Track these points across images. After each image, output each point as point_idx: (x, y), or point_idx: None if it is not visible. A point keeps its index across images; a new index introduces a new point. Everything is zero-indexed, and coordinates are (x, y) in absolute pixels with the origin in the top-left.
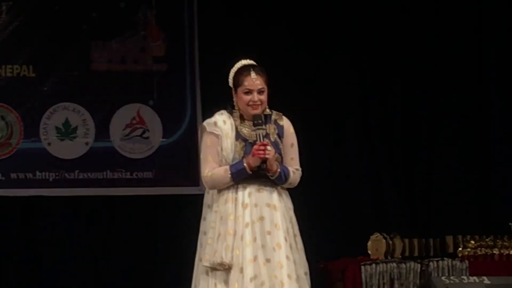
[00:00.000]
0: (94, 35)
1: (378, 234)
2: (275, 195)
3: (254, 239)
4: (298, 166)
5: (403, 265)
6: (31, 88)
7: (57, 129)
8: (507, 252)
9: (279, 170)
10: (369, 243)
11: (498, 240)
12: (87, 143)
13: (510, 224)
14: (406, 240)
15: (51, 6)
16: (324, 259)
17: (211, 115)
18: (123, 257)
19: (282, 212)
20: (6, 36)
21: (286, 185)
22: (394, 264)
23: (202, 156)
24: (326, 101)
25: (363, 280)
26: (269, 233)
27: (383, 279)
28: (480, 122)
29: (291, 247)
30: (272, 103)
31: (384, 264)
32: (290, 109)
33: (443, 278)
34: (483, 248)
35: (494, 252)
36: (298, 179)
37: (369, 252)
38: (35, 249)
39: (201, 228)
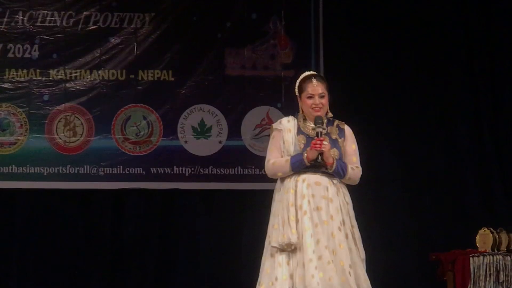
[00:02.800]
0: (228, 43)
1: (486, 228)
2: (331, 190)
3: (316, 225)
4: (358, 165)
5: (509, 258)
6: (170, 91)
7: (193, 128)
8: None
9: (335, 163)
10: (477, 237)
11: None
12: (220, 142)
13: None
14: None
15: (189, 17)
16: (436, 251)
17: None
18: (254, 247)
19: (337, 205)
20: (148, 44)
21: (346, 180)
22: (500, 257)
23: (268, 148)
24: (439, 103)
25: (472, 271)
26: (325, 222)
27: (489, 270)
28: None
29: (347, 237)
30: (399, 104)
31: (491, 256)
32: (407, 111)
33: None
34: None
35: None
36: (358, 176)
37: (477, 245)
38: (173, 239)
39: (271, 214)
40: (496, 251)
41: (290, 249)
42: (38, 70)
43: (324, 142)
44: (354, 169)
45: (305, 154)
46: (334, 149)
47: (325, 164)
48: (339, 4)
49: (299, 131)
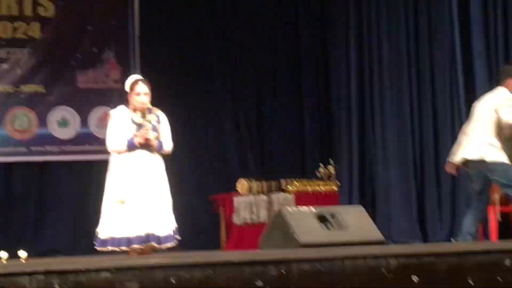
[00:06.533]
0: (79, 67)
1: (242, 179)
2: (153, 160)
3: (139, 185)
4: (170, 142)
5: (258, 197)
6: (43, 98)
7: (57, 122)
8: (316, 189)
9: (156, 143)
10: (238, 184)
11: (309, 182)
12: (75, 129)
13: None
14: (259, 182)
15: (52, 50)
16: (212, 194)
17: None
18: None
19: (158, 172)
20: (27, 67)
21: (163, 152)
22: (252, 197)
23: (108, 130)
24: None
25: (235, 206)
26: (147, 181)
27: (245, 204)
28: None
29: (161, 189)
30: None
31: (246, 197)
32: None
33: (288, 208)
34: (302, 186)
35: (308, 188)
36: (169, 150)
37: (238, 189)
38: (48, 191)
39: (109, 175)
40: (249, 193)
41: (122, 203)
42: None
43: (150, 132)
44: (167, 146)
45: (136, 139)
46: (155, 133)
47: (150, 145)
48: (152, 40)
49: (132, 121)
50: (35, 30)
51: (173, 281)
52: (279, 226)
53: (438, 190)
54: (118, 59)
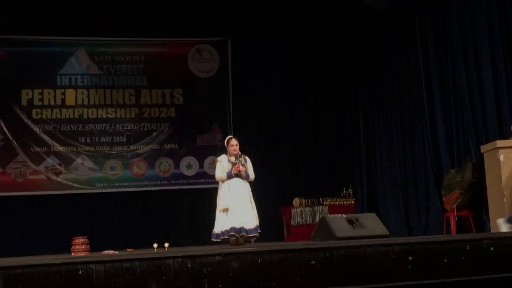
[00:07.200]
0: (198, 133)
1: (296, 197)
2: (244, 185)
3: (236, 199)
4: (252, 174)
5: (306, 208)
6: (175, 153)
7: (186, 165)
8: (341, 203)
9: (244, 174)
10: (294, 201)
11: (337, 199)
12: (196, 170)
13: None
14: (307, 199)
15: (183, 122)
16: (278, 207)
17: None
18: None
19: (246, 191)
20: (167, 134)
21: (249, 180)
22: (302, 208)
23: (216, 168)
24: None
25: (292, 214)
26: (241, 197)
27: (300, 214)
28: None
29: (250, 204)
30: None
31: (299, 208)
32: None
33: (329, 215)
34: (332, 202)
35: (336, 203)
36: (253, 178)
37: (294, 204)
38: (178, 209)
39: (219, 191)
40: (300, 207)
41: (226, 210)
42: (126, 147)
43: (240, 166)
44: (251, 176)
45: (232, 171)
46: (243, 168)
47: (241, 175)
48: (241, 115)
49: (228, 161)
50: (171, 112)
51: (260, 261)
52: (323, 226)
53: (417, 201)
54: (220, 127)
